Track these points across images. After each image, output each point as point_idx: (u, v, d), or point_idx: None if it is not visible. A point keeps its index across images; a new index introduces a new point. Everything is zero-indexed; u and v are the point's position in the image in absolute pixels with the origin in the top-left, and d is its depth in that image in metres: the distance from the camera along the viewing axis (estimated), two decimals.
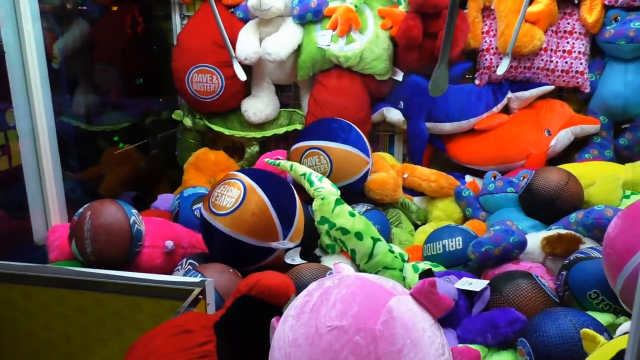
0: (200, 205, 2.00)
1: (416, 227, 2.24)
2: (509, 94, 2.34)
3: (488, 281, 1.46)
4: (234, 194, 1.63)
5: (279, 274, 1.12)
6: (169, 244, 1.72)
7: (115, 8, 2.64)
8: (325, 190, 1.85)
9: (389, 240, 2.01)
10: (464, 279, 1.50)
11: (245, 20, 2.45)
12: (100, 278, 1.40)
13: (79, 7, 2.60)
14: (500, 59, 2.27)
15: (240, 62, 2.34)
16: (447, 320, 1.40)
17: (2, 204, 2.06)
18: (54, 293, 1.43)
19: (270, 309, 1.05)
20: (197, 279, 1.36)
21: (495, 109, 2.36)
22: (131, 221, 1.64)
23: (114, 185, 2.55)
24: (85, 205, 1.66)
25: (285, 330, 0.88)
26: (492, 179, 2.15)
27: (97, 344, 1.45)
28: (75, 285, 1.42)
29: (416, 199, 2.30)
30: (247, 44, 2.36)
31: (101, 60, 2.63)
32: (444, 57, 1.29)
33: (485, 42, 2.31)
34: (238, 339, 1.04)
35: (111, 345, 1.43)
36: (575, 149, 2.36)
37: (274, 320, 0.99)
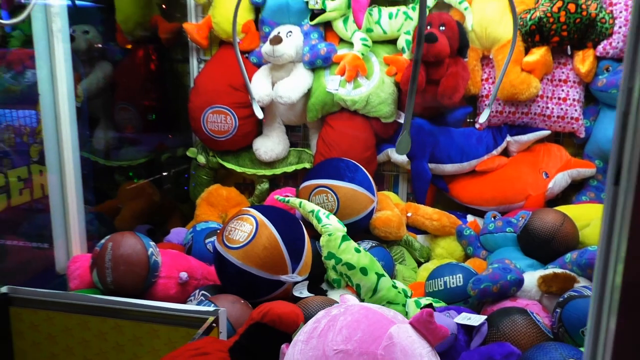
0: (213, 239, 2.10)
1: (419, 264, 2.32)
2: (508, 138, 2.46)
3: (486, 317, 1.54)
4: (246, 229, 1.73)
5: (289, 304, 1.21)
6: (184, 275, 1.81)
7: (136, 51, 2.81)
8: (332, 226, 1.95)
9: (392, 276, 2.09)
10: (463, 314, 1.58)
11: (258, 65, 2.60)
12: (121, 306, 1.50)
13: (103, 50, 2.78)
14: (499, 104, 2.40)
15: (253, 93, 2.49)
16: (446, 353, 1.48)
17: (25, 235, 2.17)
18: (76, 319, 1.52)
19: (280, 336, 1.14)
20: (211, 308, 1.46)
21: (495, 152, 2.47)
22: (149, 253, 1.74)
23: (129, 219, 2.66)
24: (107, 237, 1.77)
25: (295, 353, 0.97)
26: (492, 219, 2.24)
27: None
28: (97, 312, 1.51)
29: (420, 237, 2.39)
30: (261, 87, 2.50)
31: (121, 100, 2.78)
32: (407, 125, 1.42)
33: (485, 88, 2.44)
34: None
35: None
36: (573, 191, 2.46)
37: (283, 346, 1.08)
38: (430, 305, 1.57)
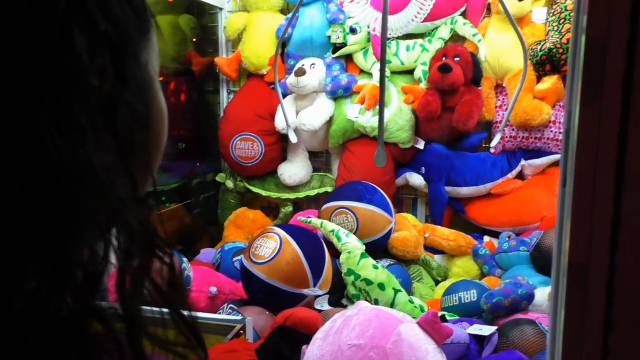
0: (240, 257, 2.24)
1: (437, 282, 2.41)
2: (522, 162, 2.56)
3: (496, 327, 1.63)
4: (271, 245, 1.87)
5: (310, 310, 1.34)
6: (213, 289, 1.95)
7: (171, 83, 3.02)
8: (351, 245, 2.07)
9: (410, 293, 2.18)
10: (475, 325, 1.67)
11: (284, 95, 2.78)
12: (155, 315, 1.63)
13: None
14: (513, 130, 2.51)
15: (278, 131, 2.65)
16: None
17: None
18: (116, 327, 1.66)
19: (302, 338, 1.26)
20: (239, 317, 1.59)
21: (510, 175, 2.57)
22: (182, 267, 1.88)
23: None
24: None
25: (314, 349, 1.09)
26: (507, 238, 2.33)
27: None
28: None
29: (437, 257, 2.49)
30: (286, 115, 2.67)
31: None
32: (380, 141, 1.59)
33: (499, 115, 2.56)
34: None
35: None
36: None
37: (304, 347, 1.20)
38: (443, 318, 1.67)
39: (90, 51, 0.32)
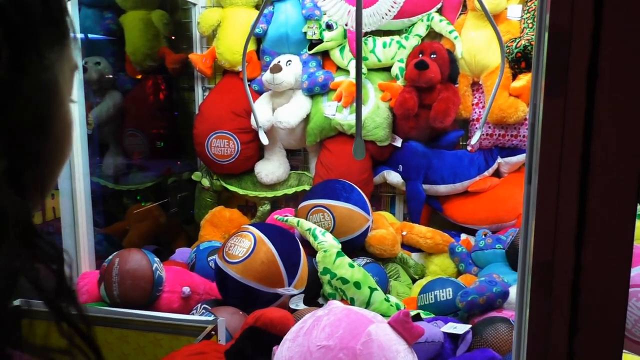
0: (215, 256, 2.20)
1: (414, 281, 2.40)
2: (499, 159, 2.56)
3: (470, 325, 1.62)
4: (245, 245, 1.84)
5: (281, 310, 1.31)
6: (186, 289, 1.91)
7: (145, 81, 2.96)
8: (327, 243, 2.05)
9: (387, 291, 2.17)
10: (450, 323, 1.66)
11: (260, 93, 2.74)
12: (125, 316, 1.59)
13: (113, 79, 2.93)
14: (489, 127, 2.51)
15: (254, 129, 2.62)
16: None
17: None
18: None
19: (273, 339, 1.23)
20: (210, 318, 1.55)
21: (486, 173, 2.57)
22: (154, 268, 1.84)
23: (136, 240, 2.76)
24: (115, 253, 1.88)
25: (283, 351, 1.06)
26: (483, 236, 2.33)
27: None
28: (103, 323, 1.61)
29: (414, 255, 2.48)
30: (262, 113, 2.63)
31: (131, 127, 2.93)
32: (358, 132, 1.59)
33: (475, 112, 2.56)
34: None
35: None
36: None
37: (275, 347, 1.17)
38: (418, 316, 1.66)
39: None
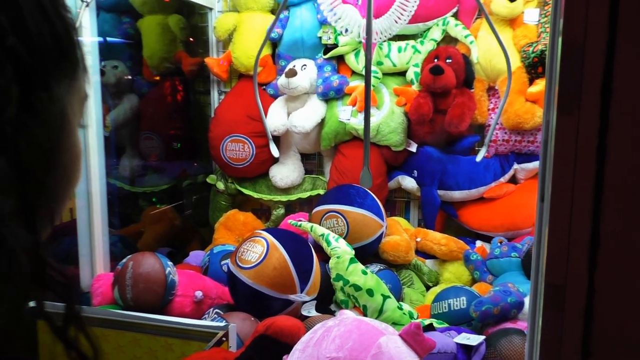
0: (227, 260, 2.20)
1: (428, 288, 2.38)
2: (515, 166, 2.53)
3: (484, 337, 1.60)
4: (258, 250, 1.84)
5: (292, 318, 1.30)
6: (199, 294, 1.92)
7: (161, 84, 2.99)
8: (340, 249, 2.04)
9: (399, 298, 2.15)
10: (463, 334, 1.64)
11: (275, 97, 2.75)
12: (138, 320, 1.60)
13: (130, 83, 2.96)
14: (505, 133, 2.48)
15: (270, 133, 2.62)
16: None
17: (53, 255, 2.31)
18: (97, 332, 1.62)
19: (283, 347, 1.22)
20: (222, 324, 1.55)
21: (502, 179, 2.54)
22: (167, 272, 1.85)
23: (151, 242, 2.79)
24: (129, 256, 1.89)
25: None
26: (499, 244, 2.29)
27: None
28: (116, 326, 1.62)
29: (428, 262, 2.45)
30: (277, 117, 2.64)
31: (147, 130, 2.95)
32: (366, 161, 1.57)
33: (491, 117, 2.53)
34: None
35: None
36: None
37: (285, 357, 1.17)
38: (431, 325, 1.64)
39: None
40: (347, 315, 1.15)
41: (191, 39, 2.96)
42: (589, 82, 0.50)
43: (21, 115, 0.32)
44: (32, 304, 0.36)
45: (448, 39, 2.58)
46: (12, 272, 0.33)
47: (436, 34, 2.54)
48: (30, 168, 0.34)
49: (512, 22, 2.44)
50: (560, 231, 0.54)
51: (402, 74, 2.61)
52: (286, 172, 2.75)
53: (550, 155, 0.55)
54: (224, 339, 1.50)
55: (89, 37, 2.11)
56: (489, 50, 2.46)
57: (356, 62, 2.61)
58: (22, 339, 0.36)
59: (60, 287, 0.38)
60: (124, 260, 1.89)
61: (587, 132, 0.51)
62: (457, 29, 2.50)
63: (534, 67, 2.39)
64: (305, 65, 2.63)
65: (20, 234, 0.33)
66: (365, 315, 1.90)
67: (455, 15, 2.54)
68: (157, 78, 2.97)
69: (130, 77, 2.95)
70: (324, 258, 2.09)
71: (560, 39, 0.49)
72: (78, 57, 0.40)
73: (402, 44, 2.57)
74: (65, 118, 0.38)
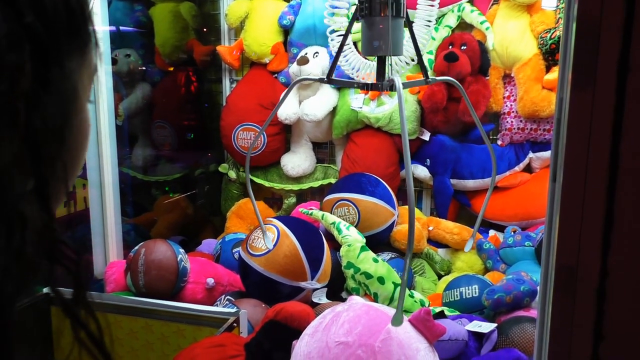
0: (239, 248, 2.21)
1: (440, 277, 2.36)
2: (530, 154, 2.49)
3: (496, 324, 1.58)
4: (269, 237, 1.84)
5: (301, 304, 1.30)
6: (210, 281, 1.92)
7: (173, 73, 2.99)
8: (351, 237, 2.03)
9: (411, 287, 2.14)
10: (475, 321, 1.63)
11: (286, 85, 2.73)
12: (150, 306, 1.62)
13: (143, 71, 2.97)
14: (521, 121, 2.44)
15: (281, 121, 2.61)
16: (457, 359, 1.52)
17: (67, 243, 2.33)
18: (110, 318, 1.64)
19: (293, 333, 1.22)
20: (233, 310, 1.56)
21: (517, 168, 2.50)
22: (178, 259, 1.86)
23: (164, 230, 2.80)
24: (141, 243, 1.90)
25: (302, 346, 1.05)
26: (512, 233, 2.27)
27: None
28: (128, 312, 1.63)
29: (440, 251, 2.44)
30: (288, 105, 2.63)
31: (159, 118, 2.96)
32: (401, 303, 1.19)
33: (507, 106, 2.49)
34: (265, 358, 1.22)
35: None
36: None
37: (294, 342, 1.17)
38: (442, 313, 1.63)
39: (9, 42, 0.30)
40: (356, 300, 1.15)
41: (204, 30, 2.95)
42: (605, 56, 0.49)
43: (35, 92, 0.32)
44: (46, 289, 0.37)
45: (463, 26, 2.54)
46: (26, 248, 0.33)
47: (451, 20, 2.50)
48: (43, 145, 0.33)
49: (530, 7, 2.39)
50: (572, 211, 0.52)
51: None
52: (298, 161, 2.75)
53: (563, 134, 0.54)
54: (235, 324, 1.51)
55: (100, 26, 2.11)
56: (505, 37, 2.42)
57: None
58: (34, 317, 0.37)
59: (71, 263, 0.38)
60: (136, 248, 1.90)
61: (602, 109, 0.50)
62: (472, 15, 2.45)
63: (552, 54, 2.34)
64: (317, 52, 2.61)
65: (38, 211, 0.33)
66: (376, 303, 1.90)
67: (471, 1, 2.50)
68: (171, 68, 2.97)
69: (142, 66, 2.95)
70: (335, 246, 2.08)
71: (575, 9, 0.48)
72: (90, 32, 0.39)
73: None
74: (76, 93, 0.38)
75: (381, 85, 1.18)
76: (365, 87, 1.14)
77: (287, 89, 1.70)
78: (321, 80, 1.20)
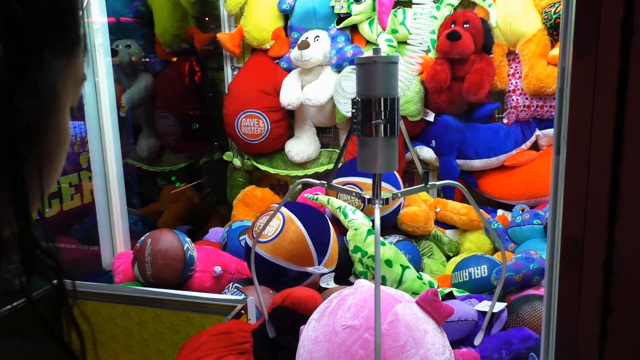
0: (245, 235, 2.21)
1: (448, 258, 2.35)
2: (537, 132, 2.46)
3: (506, 304, 1.57)
4: (274, 224, 1.83)
5: (308, 289, 1.30)
6: (218, 269, 1.93)
7: (175, 62, 2.97)
8: (358, 221, 2.02)
9: (420, 269, 2.13)
10: (484, 301, 1.62)
11: (288, 70, 2.71)
12: (158, 296, 1.62)
13: (144, 62, 2.96)
14: (527, 98, 2.40)
15: (284, 107, 2.59)
16: (467, 339, 1.52)
17: (75, 235, 2.35)
18: (120, 309, 1.65)
19: (300, 318, 1.22)
20: (240, 297, 1.56)
21: (524, 146, 2.47)
22: (185, 248, 1.86)
23: (170, 220, 2.81)
24: (147, 234, 1.90)
25: (309, 330, 1.05)
26: (520, 211, 2.25)
27: (155, 355, 1.65)
28: (137, 302, 1.64)
29: (448, 232, 2.42)
30: (290, 91, 2.61)
31: (162, 108, 2.95)
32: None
33: (512, 83, 2.46)
34: (272, 343, 1.21)
35: (167, 356, 1.63)
36: None
37: (302, 327, 1.16)
38: (451, 294, 1.62)
39: None
40: (363, 284, 1.14)
41: (205, 18, 2.92)
42: (607, 19, 0.46)
43: (8, 79, 0.31)
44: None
45: (466, 4, 2.49)
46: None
47: None
48: (18, 138, 0.32)
49: None
50: (577, 182, 0.51)
51: None
52: (302, 147, 2.73)
53: (566, 103, 0.52)
54: (242, 312, 1.51)
55: (98, 17, 2.09)
56: (509, 13, 2.38)
57: (370, 31, 2.55)
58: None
59: (50, 272, 0.35)
60: (142, 238, 1.90)
61: (606, 75, 0.48)
62: None
63: (557, 28, 2.30)
64: (318, 36, 2.58)
65: (11, 214, 0.32)
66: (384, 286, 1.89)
67: None
68: (172, 57, 2.95)
69: (143, 56, 2.93)
70: (342, 231, 2.07)
71: None
72: (80, 36, 0.38)
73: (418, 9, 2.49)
74: (56, 94, 0.37)
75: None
76: (362, 199, 1.09)
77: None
78: (321, 184, 1.15)
